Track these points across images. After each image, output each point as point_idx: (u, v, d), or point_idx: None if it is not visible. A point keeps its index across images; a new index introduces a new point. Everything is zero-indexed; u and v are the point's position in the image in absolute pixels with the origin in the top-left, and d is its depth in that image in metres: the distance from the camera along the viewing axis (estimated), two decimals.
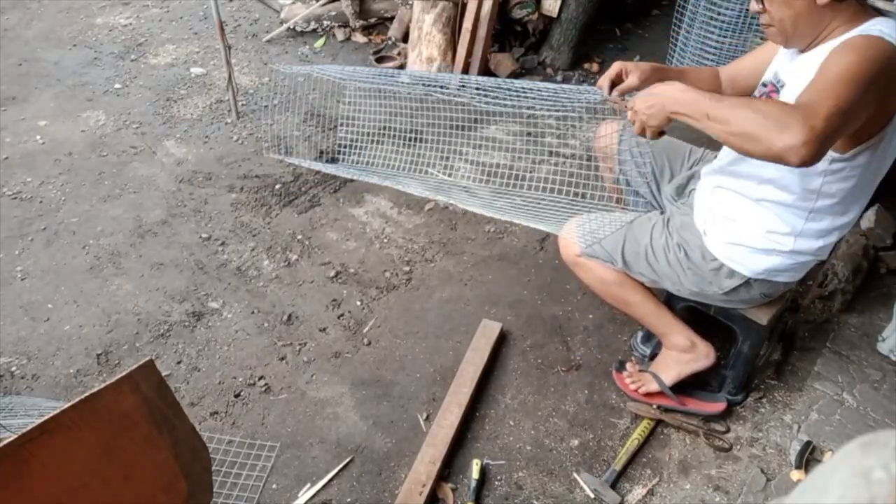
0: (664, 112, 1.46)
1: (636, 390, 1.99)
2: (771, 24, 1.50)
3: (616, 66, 1.72)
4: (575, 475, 1.86)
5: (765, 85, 1.65)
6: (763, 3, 1.47)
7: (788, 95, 1.50)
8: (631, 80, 1.70)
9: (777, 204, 1.59)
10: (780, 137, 1.26)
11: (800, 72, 1.49)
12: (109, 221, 2.60)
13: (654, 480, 1.85)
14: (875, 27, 1.39)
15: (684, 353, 1.92)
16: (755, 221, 1.64)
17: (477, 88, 2.15)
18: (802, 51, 1.54)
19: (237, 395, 2.03)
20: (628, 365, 2.05)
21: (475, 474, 1.82)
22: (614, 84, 1.72)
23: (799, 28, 1.47)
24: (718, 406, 1.97)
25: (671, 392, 1.94)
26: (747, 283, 1.71)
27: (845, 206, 1.58)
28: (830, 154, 1.43)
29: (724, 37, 2.91)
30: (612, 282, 1.85)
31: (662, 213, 1.90)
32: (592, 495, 1.81)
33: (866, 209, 2.46)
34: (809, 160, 1.27)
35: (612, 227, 1.82)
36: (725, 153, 1.72)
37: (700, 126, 1.40)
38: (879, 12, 1.46)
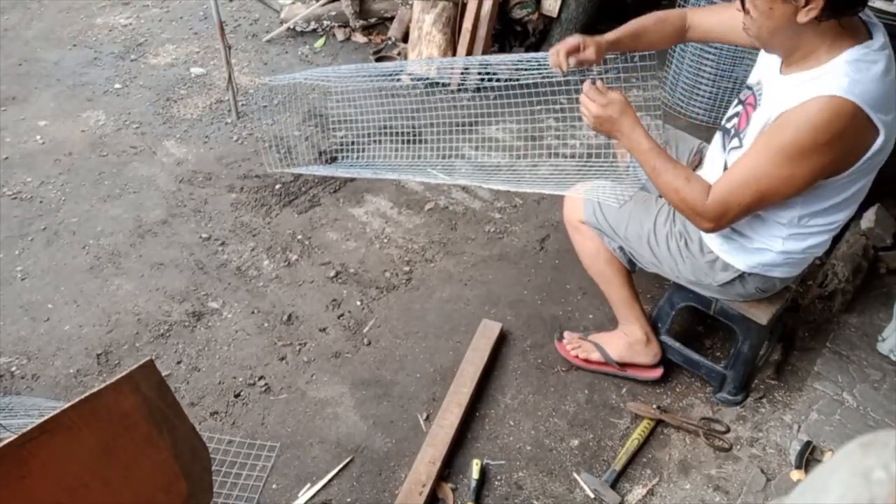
0: (609, 132, 1.64)
1: (577, 356, 2.09)
2: (750, 28, 1.48)
3: (574, 39, 1.72)
4: (575, 475, 1.86)
5: (749, 88, 1.65)
6: (744, 7, 1.45)
7: (759, 115, 1.53)
8: (588, 53, 1.72)
9: (759, 217, 1.63)
10: (691, 218, 1.59)
11: (775, 99, 1.48)
12: (109, 221, 2.60)
13: (654, 480, 1.85)
14: (845, 76, 1.35)
15: (637, 344, 2.02)
16: (744, 223, 1.66)
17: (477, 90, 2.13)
18: (785, 65, 1.51)
19: (237, 395, 2.03)
20: (566, 333, 2.15)
21: (475, 474, 1.82)
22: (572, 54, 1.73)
23: (776, 39, 1.45)
24: (656, 372, 2.06)
25: (614, 361, 2.04)
26: (742, 276, 1.73)
27: (834, 213, 1.59)
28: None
29: None
30: (603, 258, 1.93)
31: None
32: (592, 495, 1.81)
33: (866, 209, 2.46)
34: (719, 228, 1.59)
35: (619, 192, 1.84)
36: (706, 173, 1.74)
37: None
38: (867, 28, 1.42)
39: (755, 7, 1.41)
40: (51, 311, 2.26)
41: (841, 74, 1.37)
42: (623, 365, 2.05)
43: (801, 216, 1.57)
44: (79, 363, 2.10)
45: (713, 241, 1.73)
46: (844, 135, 1.37)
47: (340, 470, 1.85)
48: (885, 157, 1.47)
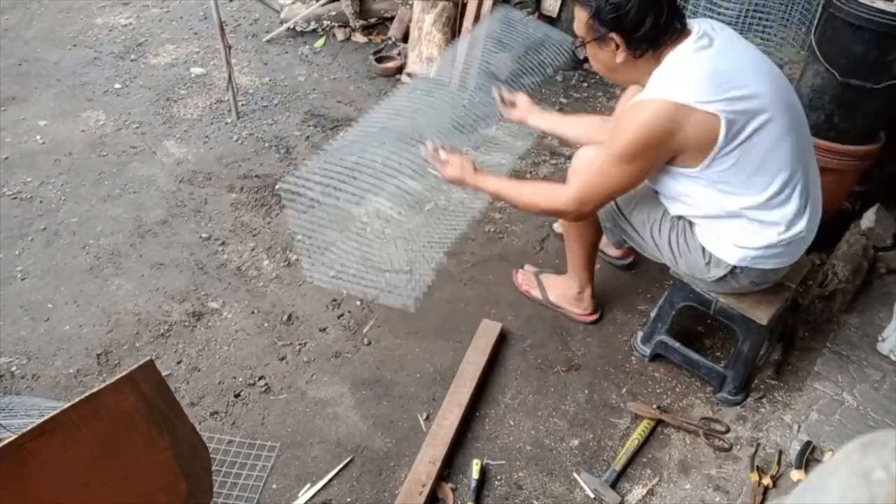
0: (463, 185, 1.89)
1: (522, 287, 2.34)
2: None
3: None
4: (575, 475, 1.86)
5: None
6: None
7: None
8: (521, 99, 2.10)
9: (712, 217, 1.71)
10: (558, 216, 1.93)
11: None
12: (109, 221, 2.60)
13: (654, 480, 1.85)
14: (657, 80, 1.54)
15: (570, 292, 2.23)
16: (709, 232, 1.75)
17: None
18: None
19: (237, 395, 2.03)
20: (527, 266, 2.40)
21: (475, 474, 1.82)
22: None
23: (615, 76, 1.67)
24: (590, 318, 2.25)
25: (549, 302, 2.28)
26: (733, 271, 1.75)
27: (756, 182, 1.60)
28: (685, 170, 1.62)
29: None
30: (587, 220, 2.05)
31: None
32: (592, 495, 1.81)
33: (866, 209, 2.46)
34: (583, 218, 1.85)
35: None
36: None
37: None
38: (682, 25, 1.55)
39: (589, 55, 1.64)
40: (51, 311, 2.26)
41: (655, 81, 1.54)
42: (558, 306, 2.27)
43: (742, 210, 1.64)
44: (79, 363, 2.10)
45: (703, 235, 1.76)
46: (664, 136, 1.52)
47: (340, 470, 1.85)
48: (768, 128, 1.54)
